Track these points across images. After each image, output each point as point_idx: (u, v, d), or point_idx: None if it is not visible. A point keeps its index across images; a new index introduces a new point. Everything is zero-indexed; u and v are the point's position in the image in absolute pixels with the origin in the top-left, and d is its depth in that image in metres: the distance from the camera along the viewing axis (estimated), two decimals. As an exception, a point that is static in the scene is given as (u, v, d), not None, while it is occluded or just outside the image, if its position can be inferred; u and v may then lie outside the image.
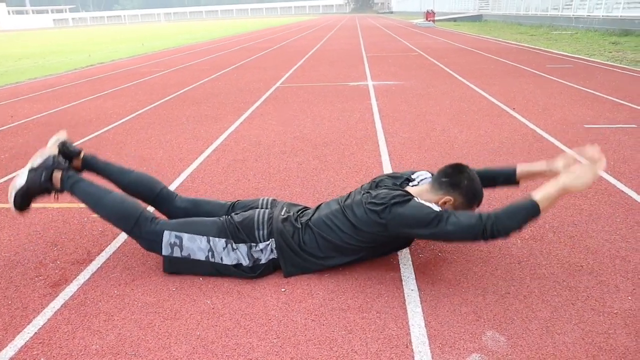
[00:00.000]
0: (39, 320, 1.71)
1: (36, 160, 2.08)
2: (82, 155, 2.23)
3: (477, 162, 3.30)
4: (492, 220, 1.68)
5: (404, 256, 2.08)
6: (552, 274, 1.93)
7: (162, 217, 2.08)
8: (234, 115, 5.06)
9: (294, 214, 2.02)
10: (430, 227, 1.73)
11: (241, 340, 1.58)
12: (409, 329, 1.63)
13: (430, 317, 1.69)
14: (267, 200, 2.12)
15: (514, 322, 1.65)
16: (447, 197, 1.87)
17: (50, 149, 2.14)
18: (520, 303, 1.75)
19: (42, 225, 2.52)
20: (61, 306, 1.80)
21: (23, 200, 2.06)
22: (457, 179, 1.87)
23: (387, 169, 3.23)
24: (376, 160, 3.43)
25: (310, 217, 1.97)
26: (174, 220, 2.00)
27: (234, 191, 2.91)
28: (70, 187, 2.05)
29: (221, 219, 1.98)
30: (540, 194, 1.71)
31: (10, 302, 1.84)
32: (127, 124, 4.85)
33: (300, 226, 1.94)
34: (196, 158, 3.59)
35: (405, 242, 2.04)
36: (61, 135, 2.21)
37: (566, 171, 1.78)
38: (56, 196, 2.11)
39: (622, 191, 2.74)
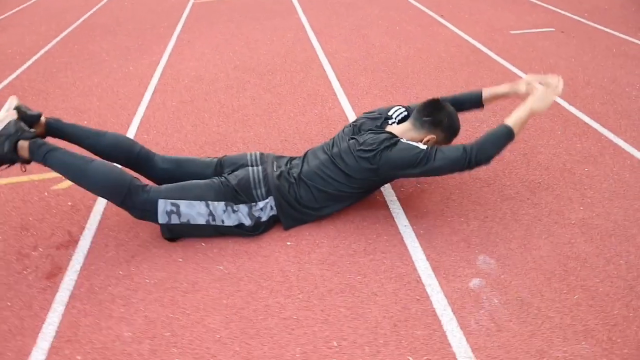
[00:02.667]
0: (53, 318, 1.67)
1: None
2: (42, 119, 1.99)
3: (423, 79, 3.42)
4: (475, 150, 1.84)
5: (388, 192, 2.23)
6: (517, 194, 2.19)
7: (149, 182, 2.00)
8: (159, 44, 4.64)
9: (285, 167, 2.04)
10: (420, 166, 1.86)
11: (269, 302, 1.68)
12: (414, 265, 1.82)
13: (428, 250, 1.89)
14: (255, 155, 2.11)
15: (497, 245, 1.90)
16: (430, 136, 1.99)
17: (7, 114, 1.88)
18: (498, 225, 2.00)
19: (-2, 207, 2.30)
20: (69, 298, 1.75)
21: None
22: (437, 117, 1.99)
23: (342, 97, 3.25)
24: (328, 87, 3.43)
25: (301, 169, 2.01)
26: (165, 186, 1.93)
27: (196, 138, 2.80)
28: (43, 157, 1.86)
29: (215, 181, 1.95)
30: (512, 119, 1.89)
31: (10, 303, 1.74)
32: (38, 65, 4.27)
33: (294, 180, 1.98)
34: (138, 104, 3.33)
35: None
36: (14, 100, 1.95)
37: (531, 95, 1.98)
38: (23, 167, 1.92)
39: (557, 102, 3.03)
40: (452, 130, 2.03)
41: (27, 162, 1.90)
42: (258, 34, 4.78)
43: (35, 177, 2.48)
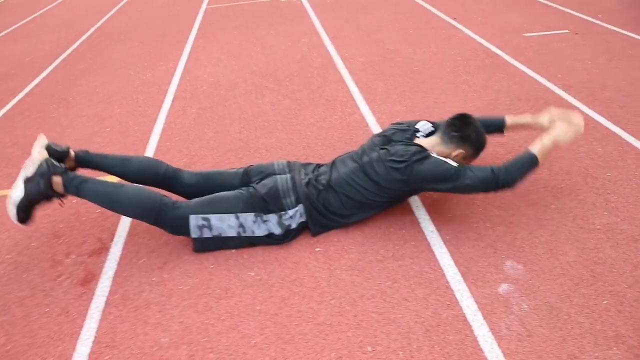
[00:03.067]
0: (91, 324, 1.71)
1: (29, 169, 1.95)
2: (71, 153, 2.11)
3: (440, 84, 3.45)
4: (503, 173, 1.90)
5: (414, 198, 2.25)
6: (541, 199, 2.21)
7: (179, 198, 2.05)
8: (174, 50, 4.69)
9: (312, 174, 2.08)
10: (450, 182, 1.91)
11: (302, 307, 1.71)
12: (443, 271, 1.84)
13: (456, 255, 1.91)
14: (282, 164, 2.14)
15: (524, 250, 1.92)
16: (459, 150, 2.03)
17: (39, 154, 2.00)
18: (523, 231, 2.02)
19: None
20: (105, 304, 1.79)
21: (25, 213, 1.96)
22: (466, 132, 2.03)
23: (361, 102, 3.28)
24: (346, 92, 3.46)
25: (330, 177, 2.04)
26: (194, 201, 1.98)
27: (219, 145, 2.84)
28: (76, 189, 1.96)
29: (243, 191, 1.99)
30: (537, 147, 1.96)
31: (48, 309, 1.79)
32: (57, 73, 4.34)
33: (322, 187, 2.01)
34: (159, 111, 3.39)
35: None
36: (42, 139, 2.07)
37: (553, 127, 2.06)
38: (61, 202, 2.03)
39: (575, 106, 3.05)
40: (479, 145, 2.08)
41: (62, 196, 2.00)
42: (272, 39, 4.83)
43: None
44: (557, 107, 2.23)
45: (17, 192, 1.93)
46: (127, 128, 3.16)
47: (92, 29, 5.87)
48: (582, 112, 2.95)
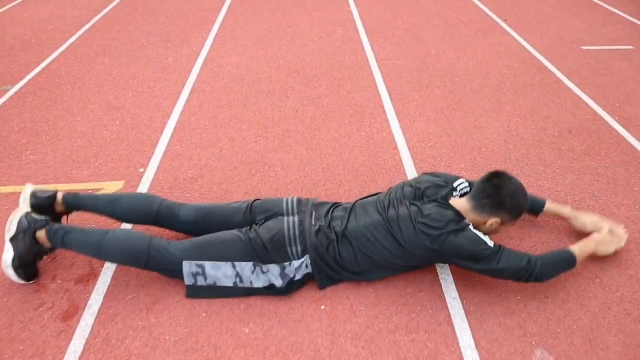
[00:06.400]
0: (65, 374, 1.55)
1: (11, 228, 1.81)
2: (60, 197, 1.97)
3: (482, 102, 3.11)
4: (539, 266, 1.74)
5: (437, 251, 2.00)
6: (584, 268, 1.92)
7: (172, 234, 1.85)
8: (200, 31, 4.43)
9: (325, 219, 1.83)
10: (482, 263, 1.70)
11: (296, 384, 1.51)
12: (461, 353, 1.60)
13: (478, 334, 1.66)
14: (292, 202, 1.90)
15: (558, 337, 1.66)
16: (494, 219, 1.75)
17: (22, 208, 1.87)
18: (560, 309, 1.76)
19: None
20: (83, 349, 1.62)
21: (27, 270, 1.83)
22: (498, 199, 1.74)
23: (392, 117, 2.98)
24: (377, 102, 3.16)
25: (346, 225, 1.79)
26: (189, 243, 1.77)
27: (232, 155, 2.62)
28: (62, 242, 1.80)
29: (243, 236, 1.76)
30: (578, 250, 1.82)
31: (23, 347, 1.63)
32: (77, 47, 4.14)
33: (335, 237, 1.77)
34: (174, 105, 3.16)
35: None
36: (27, 189, 1.94)
37: (596, 233, 1.94)
38: (52, 255, 1.93)
39: (633, 146, 2.69)
40: (516, 210, 1.79)
41: (51, 250, 1.88)
42: (306, 26, 4.50)
43: (60, 186, 2.36)
44: (600, 216, 2.04)
45: (7, 254, 1.80)
46: (138, 123, 2.96)
47: (121, -4, 5.63)
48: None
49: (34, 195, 1.94)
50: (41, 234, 1.81)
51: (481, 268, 1.70)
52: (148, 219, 1.93)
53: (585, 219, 2.02)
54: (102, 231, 1.82)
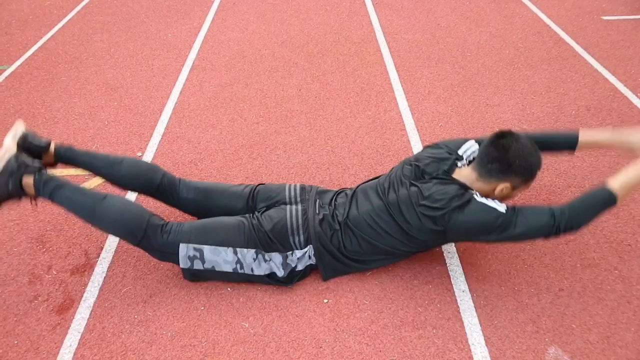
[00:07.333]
0: (59, 369, 1.51)
1: None
2: (52, 147, 1.80)
3: (495, 78, 2.96)
4: (567, 216, 1.51)
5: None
6: (602, 259, 1.82)
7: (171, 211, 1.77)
8: (201, 5, 4.26)
9: (329, 208, 1.74)
10: (497, 232, 1.54)
11: (297, 383, 1.46)
12: (470, 351, 1.53)
13: (488, 330, 1.58)
14: (295, 190, 1.81)
15: (573, 333, 1.57)
16: (503, 185, 1.59)
17: (9, 147, 1.70)
18: (576, 303, 1.67)
19: (17, 211, 2.11)
20: (78, 343, 1.57)
21: None
22: (505, 162, 1.56)
23: (400, 95, 2.85)
24: (385, 79, 3.02)
25: (348, 213, 1.70)
26: (188, 225, 1.69)
27: (232, 138, 2.52)
28: (50, 194, 1.67)
29: (245, 222, 1.68)
30: (618, 182, 1.53)
31: (17, 341, 1.59)
32: (74, 24, 4.01)
33: (338, 227, 1.69)
34: (174, 84, 3.05)
35: None
36: (19, 128, 1.75)
37: None
38: (33, 202, 1.74)
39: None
40: (528, 172, 1.60)
41: (35, 197, 1.71)
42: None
43: (56, 171, 2.29)
44: None
45: None
46: (137, 103, 2.86)
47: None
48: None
49: (25, 138, 1.75)
50: (29, 181, 1.66)
51: (498, 238, 1.54)
52: (149, 189, 1.82)
53: (630, 137, 1.68)
54: (99, 194, 1.69)
